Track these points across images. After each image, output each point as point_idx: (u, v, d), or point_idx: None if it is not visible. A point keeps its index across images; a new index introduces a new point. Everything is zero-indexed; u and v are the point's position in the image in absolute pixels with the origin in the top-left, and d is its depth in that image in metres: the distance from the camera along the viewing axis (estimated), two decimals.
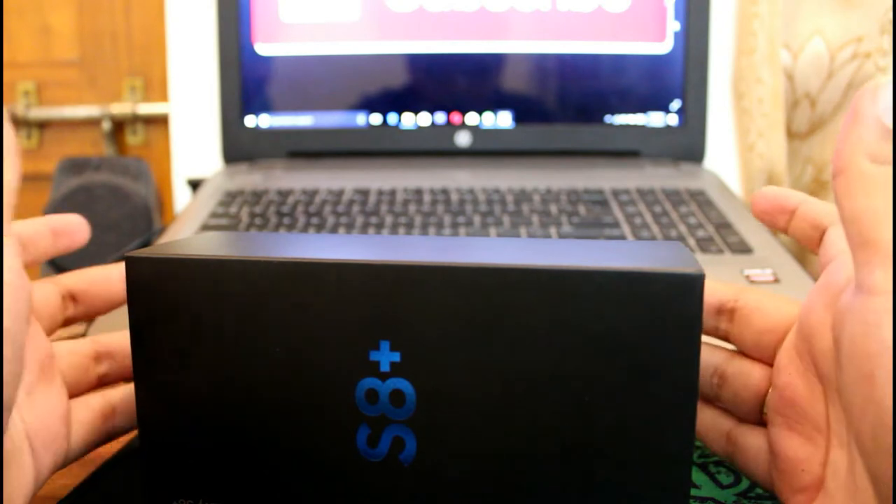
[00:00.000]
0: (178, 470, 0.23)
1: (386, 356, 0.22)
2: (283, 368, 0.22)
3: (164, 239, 0.50)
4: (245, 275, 0.22)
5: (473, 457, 0.22)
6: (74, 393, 0.25)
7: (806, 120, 0.66)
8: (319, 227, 0.50)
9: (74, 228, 0.27)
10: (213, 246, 0.24)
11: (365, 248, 0.24)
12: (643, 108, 0.63)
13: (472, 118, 0.63)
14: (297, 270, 0.21)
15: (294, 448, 0.22)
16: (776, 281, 0.43)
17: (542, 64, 0.63)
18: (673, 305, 0.20)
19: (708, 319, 0.25)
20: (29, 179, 0.78)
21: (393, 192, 0.55)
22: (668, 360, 0.20)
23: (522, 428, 0.21)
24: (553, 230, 0.49)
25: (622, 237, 0.48)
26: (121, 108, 0.77)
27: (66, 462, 0.24)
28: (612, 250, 0.23)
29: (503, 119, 0.63)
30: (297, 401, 0.22)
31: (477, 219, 0.51)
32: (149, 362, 0.23)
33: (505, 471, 0.21)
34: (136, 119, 0.77)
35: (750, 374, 0.24)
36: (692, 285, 0.20)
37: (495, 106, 0.63)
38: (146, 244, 0.54)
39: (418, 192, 0.55)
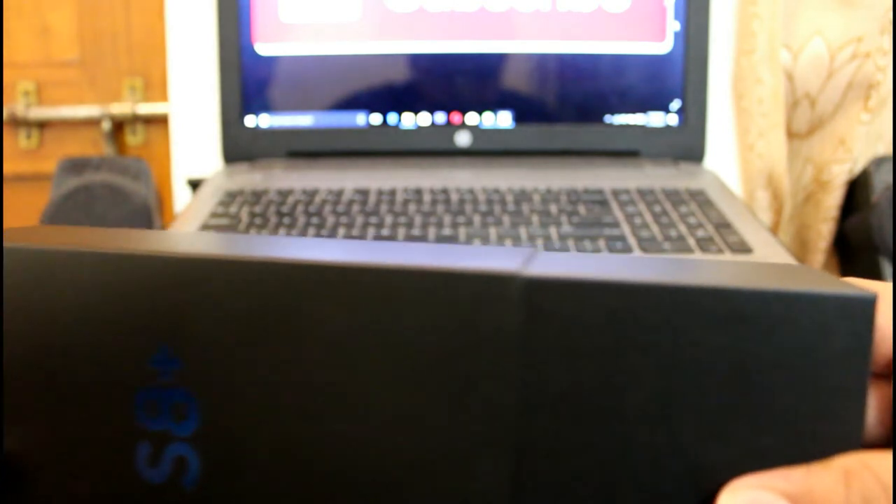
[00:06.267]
0: None
1: (166, 363, 0.19)
2: (69, 372, 0.20)
3: None
4: (44, 264, 0.19)
5: (268, 484, 0.19)
6: None
7: (806, 120, 0.66)
8: (319, 227, 0.50)
9: None
10: (76, 236, 0.22)
11: (215, 244, 0.21)
12: (643, 108, 0.63)
13: (472, 118, 0.63)
14: (85, 261, 0.19)
15: (69, 462, 0.20)
16: None
17: (542, 64, 0.63)
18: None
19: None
20: (29, 179, 0.78)
21: (393, 192, 0.55)
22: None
23: (339, 454, 0.18)
24: (553, 230, 0.49)
25: (622, 237, 0.48)
26: (121, 108, 0.76)
27: None
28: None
29: (503, 119, 0.63)
30: (76, 409, 0.20)
31: (477, 219, 0.51)
32: None
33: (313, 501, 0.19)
34: (136, 119, 0.77)
35: None
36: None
37: (495, 106, 0.63)
38: None
39: (418, 191, 0.55)
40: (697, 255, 0.46)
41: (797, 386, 0.17)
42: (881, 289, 0.19)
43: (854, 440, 0.17)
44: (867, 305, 0.17)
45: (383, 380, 0.18)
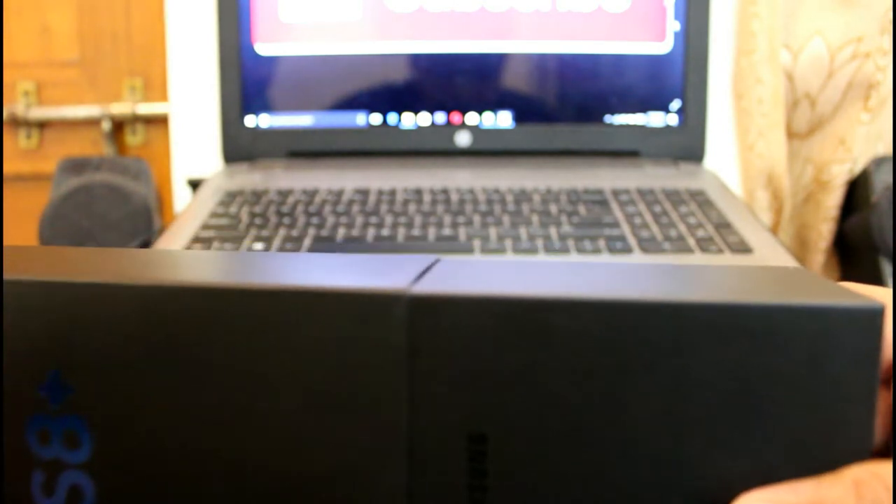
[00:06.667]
0: None
1: (57, 389, 0.19)
2: None
3: (164, 239, 0.50)
4: None
5: None
6: None
7: (806, 120, 0.66)
8: (319, 227, 0.50)
9: None
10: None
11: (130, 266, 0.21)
12: (643, 108, 0.63)
13: (472, 118, 0.63)
14: None
15: None
16: None
17: (542, 64, 0.63)
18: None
19: None
20: (29, 179, 0.78)
21: (393, 192, 0.55)
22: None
23: (240, 477, 0.18)
24: (553, 230, 0.49)
25: (622, 237, 0.48)
26: (121, 108, 0.76)
27: None
28: None
29: (503, 119, 0.63)
30: None
31: (477, 219, 0.51)
32: None
33: None
34: (136, 119, 0.77)
35: None
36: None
37: (495, 106, 0.63)
38: (146, 244, 0.55)
39: (418, 191, 0.55)
40: (697, 255, 0.46)
41: (805, 399, 0.17)
42: (881, 295, 0.19)
43: (863, 450, 0.17)
44: (874, 316, 0.17)
45: (277, 400, 0.18)
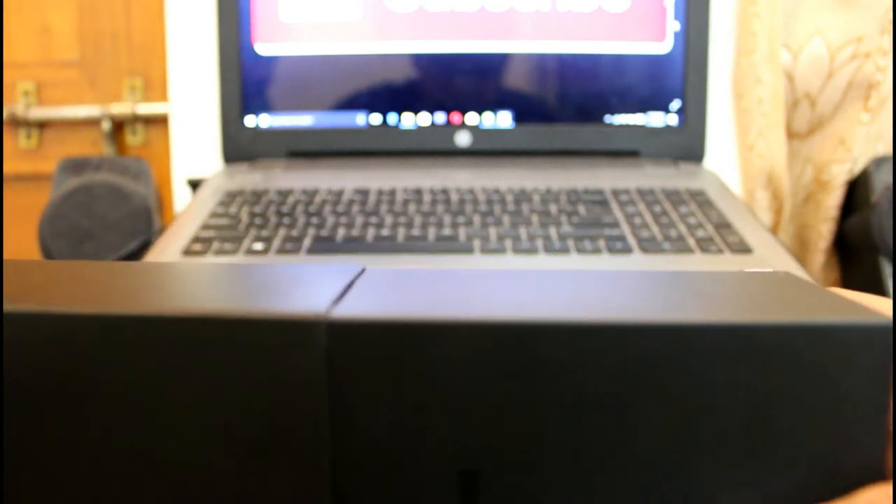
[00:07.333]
0: None
1: None
2: None
3: (164, 239, 0.50)
4: None
5: None
6: None
7: (806, 120, 0.66)
8: (319, 227, 0.50)
9: None
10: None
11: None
12: (643, 108, 0.63)
13: (472, 118, 0.63)
14: None
15: None
16: None
17: (542, 64, 0.63)
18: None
19: None
20: (29, 179, 0.78)
21: (393, 192, 0.55)
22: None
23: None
24: (553, 230, 0.49)
25: (622, 237, 0.48)
26: (121, 108, 0.76)
27: None
28: None
29: (503, 119, 0.63)
30: None
31: (477, 219, 0.51)
32: None
33: None
34: (136, 119, 0.77)
35: None
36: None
37: (495, 106, 0.63)
38: (146, 244, 0.54)
39: (418, 191, 0.55)
40: (697, 256, 0.46)
41: (815, 419, 0.17)
42: (881, 305, 0.18)
43: (876, 471, 0.17)
44: (885, 333, 0.16)
45: (191, 437, 0.17)
